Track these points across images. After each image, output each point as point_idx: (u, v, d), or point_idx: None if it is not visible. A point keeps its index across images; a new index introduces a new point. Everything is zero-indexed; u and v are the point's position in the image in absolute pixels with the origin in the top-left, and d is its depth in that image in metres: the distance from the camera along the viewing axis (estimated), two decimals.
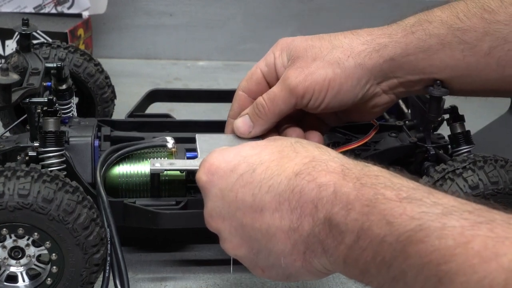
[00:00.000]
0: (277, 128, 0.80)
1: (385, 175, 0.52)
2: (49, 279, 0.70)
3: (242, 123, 0.77)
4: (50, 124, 0.75)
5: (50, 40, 1.17)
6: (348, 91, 0.74)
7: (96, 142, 0.81)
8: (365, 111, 0.79)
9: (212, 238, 0.84)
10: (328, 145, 0.91)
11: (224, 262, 0.84)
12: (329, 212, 0.51)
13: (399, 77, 0.75)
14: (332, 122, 0.83)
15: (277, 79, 0.77)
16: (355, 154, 0.90)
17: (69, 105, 0.92)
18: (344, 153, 0.90)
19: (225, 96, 1.05)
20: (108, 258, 0.70)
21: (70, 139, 0.79)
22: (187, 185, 0.82)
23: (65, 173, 0.74)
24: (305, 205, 0.53)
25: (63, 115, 0.84)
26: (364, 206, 0.49)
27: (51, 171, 0.68)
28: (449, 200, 0.47)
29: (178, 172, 0.80)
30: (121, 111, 1.03)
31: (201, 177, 0.62)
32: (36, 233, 0.67)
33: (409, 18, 0.74)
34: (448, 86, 0.75)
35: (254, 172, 0.57)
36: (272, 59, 0.77)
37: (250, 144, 0.61)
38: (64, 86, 0.91)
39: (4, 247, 0.69)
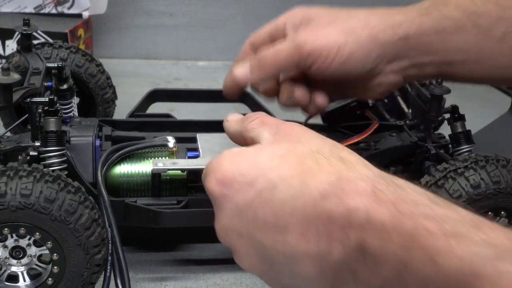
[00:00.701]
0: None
1: (424, 200, 0.47)
2: (50, 279, 0.70)
3: (240, 69, 0.76)
4: (51, 124, 0.75)
5: (50, 40, 1.17)
6: (357, 61, 0.72)
7: (97, 142, 0.81)
8: (369, 88, 0.77)
9: (213, 238, 0.84)
10: None
11: (224, 262, 0.84)
12: (362, 240, 0.46)
13: (411, 57, 0.73)
14: (334, 96, 0.82)
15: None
16: None
17: (70, 105, 0.92)
18: None
19: None
20: (109, 258, 0.70)
21: (71, 138, 0.79)
22: (188, 185, 0.82)
23: (66, 172, 0.74)
24: (334, 231, 0.48)
25: (64, 115, 0.84)
26: (404, 239, 0.44)
27: (53, 171, 0.68)
28: (498, 236, 0.43)
29: (179, 172, 0.80)
30: (121, 111, 1.03)
31: (213, 188, 0.55)
32: (37, 233, 0.67)
33: (423, 1, 0.73)
34: (459, 72, 0.73)
35: (274, 190, 0.51)
36: (283, 19, 0.77)
37: (266, 153, 0.54)
38: (65, 86, 0.91)
39: (5, 246, 0.69)
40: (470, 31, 0.70)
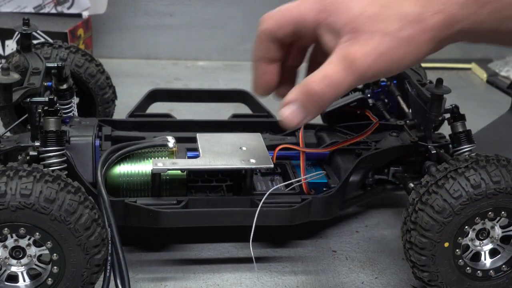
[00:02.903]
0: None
1: None
2: (50, 279, 0.69)
3: (292, 114, 0.65)
4: (51, 124, 0.75)
5: (50, 40, 1.17)
6: (413, 64, 0.67)
7: (97, 142, 0.81)
8: None
9: (212, 238, 0.84)
10: (328, 144, 0.91)
11: (224, 262, 0.84)
12: None
13: (461, 40, 0.69)
14: None
15: (313, 38, 0.68)
16: (356, 153, 0.90)
17: (70, 105, 0.92)
18: (345, 151, 0.91)
19: (225, 96, 1.06)
20: (109, 258, 0.70)
21: (71, 138, 0.79)
22: (188, 185, 0.82)
23: (66, 172, 0.74)
24: None
25: (64, 115, 0.84)
26: None
27: (53, 171, 0.68)
28: None
29: (179, 172, 0.80)
30: (121, 111, 1.03)
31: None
32: (37, 233, 0.67)
33: None
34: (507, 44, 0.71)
35: None
36: (311, 13, 0.66)
37: None
38: (64, 86, 0.91)
39: (5, 246, 0.69)
40: None
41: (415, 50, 0.64)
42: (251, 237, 0.75)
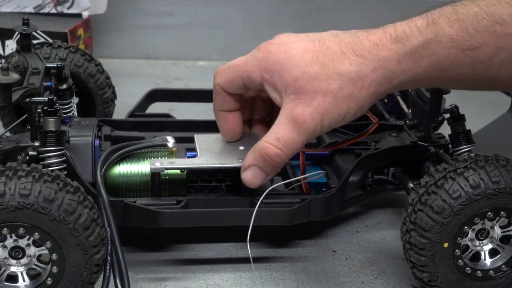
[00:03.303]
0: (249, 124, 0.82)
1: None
2: (49, 279, 0.69)
3: (254, 177, 0.73)
4: (51, 124, 0.75)
5: (50, 40, 1.17)
6: (360, 114, 0.72)
7: (97, 142, 0.81)
8: None
9: (212, 238, 0.84)
10: (328, 144, 0.91)
11: (224, 262, 0.84)
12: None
13: (404, 89, 0.73)
14: None
15: (261, 88, 0.73)
16: (356, 153, 0.90)
17: (69, 105, 0.92)
18: (344, 151, 0.91)
19: None
20: (109, 258, 0.70)
21: (71, 138, 0.79)
22: (188, 185, 0.82)
23: (65, 172, 0.73)
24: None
25: (63, 115, 0.84)
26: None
27: (52, 171, 0.68)
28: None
29: (178, 172, 0.80)
30: (121, 111, 1.03)
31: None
32: (36, 233, 0.67)
33: (415, 34, 0.68)
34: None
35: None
36: (256, 71, 0.72)
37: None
38: (64, 86, 0.91)
39: (4, 246, 0.69)
40: (466, 66, 0.68)
41: (357, 106, 0.69)
42: (248, 237, 0.75)
